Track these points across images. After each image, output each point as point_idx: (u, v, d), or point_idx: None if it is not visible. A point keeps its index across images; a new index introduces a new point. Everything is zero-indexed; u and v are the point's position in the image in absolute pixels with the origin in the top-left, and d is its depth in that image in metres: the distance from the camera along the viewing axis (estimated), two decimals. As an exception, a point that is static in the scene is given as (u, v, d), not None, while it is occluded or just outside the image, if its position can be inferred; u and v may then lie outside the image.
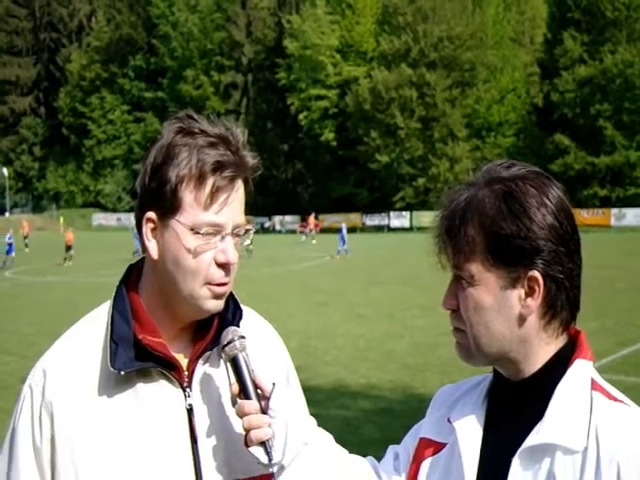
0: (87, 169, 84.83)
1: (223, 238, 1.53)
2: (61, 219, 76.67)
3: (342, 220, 64.78)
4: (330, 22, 68.89)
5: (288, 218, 68.84)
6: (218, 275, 1.53)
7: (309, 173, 75.10)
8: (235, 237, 1.55)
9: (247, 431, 1.50)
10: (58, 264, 34.55)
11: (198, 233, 1.50)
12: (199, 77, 76.17)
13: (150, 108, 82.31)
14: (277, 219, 68.44)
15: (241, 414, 1.51)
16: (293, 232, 65.21)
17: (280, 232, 65.27)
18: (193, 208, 1.50)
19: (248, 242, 1.60)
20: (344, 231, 36.29)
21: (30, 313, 19.10)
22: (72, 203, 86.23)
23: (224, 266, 1.53)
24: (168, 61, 78.82)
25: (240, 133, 1.56)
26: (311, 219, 52.86)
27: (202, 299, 1.54)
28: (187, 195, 1.50)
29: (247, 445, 1.51)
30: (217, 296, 1.55)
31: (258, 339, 1.72)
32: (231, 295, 1.65)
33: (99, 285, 22.99)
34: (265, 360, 1.68)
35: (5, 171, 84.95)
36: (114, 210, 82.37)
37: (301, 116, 69.70)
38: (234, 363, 1.54)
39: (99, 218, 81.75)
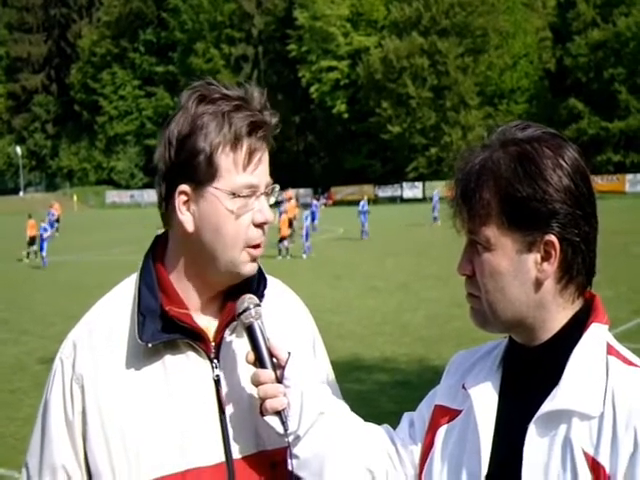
0: (100, 146, 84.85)
1: (258, 198, 1.55)
2: (75, 197, 76.91)
3: (361, 191, 64.58)
4: (340, -10, 68.32)
5: (302, 191, 68.75)
6: (256, 235, 1.56)
7: (321, 145, 74.90)
8: (265, 195, 1.57)
9: (262, 400, 1.51)
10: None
11: (238, 196, 1.52)
12: (209, 50, 75.84)
13: (161, 83, 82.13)
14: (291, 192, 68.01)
15: (256, 383, 1.52)
16: (306, 205, 65.08)
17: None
18: (230, 173, 1.52)
19: (273, 200, 1.61)
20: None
21: (46, 293, 19.22)
22: (85, 181, 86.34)
23: (261, 226, 1.56)
24: (178, 34, 78.47)
25: (259, 93, 1.56)
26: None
27: (241, 263, 1.56)
28: (223, 161, 1.51)
29: (262, 414, 1.52)
30: (254, 258, 1.58)
31: (283, 308, 1.74)
32: None
33: (113, 263, 23.07)
34: (289, 328, 1.70)
35: (18, 150, 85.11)
36: (127, 187, 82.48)
37: (312, 88, 69.42)
38: (249, 331, 1.54)
39: (112, 195, 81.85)
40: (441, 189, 44.24)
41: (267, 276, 1.69)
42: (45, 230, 26.79)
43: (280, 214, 26.66)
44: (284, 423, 1.50)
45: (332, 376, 1.84)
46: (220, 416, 1.57)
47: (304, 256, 25.21)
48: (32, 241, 28.75)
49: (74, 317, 1.66)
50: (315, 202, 34.49)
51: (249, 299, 1.56)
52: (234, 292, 1.61)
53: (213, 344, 1.59)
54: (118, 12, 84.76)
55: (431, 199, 48.30)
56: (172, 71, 79.98)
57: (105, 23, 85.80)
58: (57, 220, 42.12)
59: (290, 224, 27.18)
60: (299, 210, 31.15)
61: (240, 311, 1.54)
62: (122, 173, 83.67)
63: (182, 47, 78.63)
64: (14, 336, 13.45)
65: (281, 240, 25.61)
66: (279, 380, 1.52)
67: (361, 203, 31.86)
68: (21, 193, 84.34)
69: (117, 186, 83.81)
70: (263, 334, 1.54)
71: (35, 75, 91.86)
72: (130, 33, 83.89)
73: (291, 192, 33.27)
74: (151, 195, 72.96)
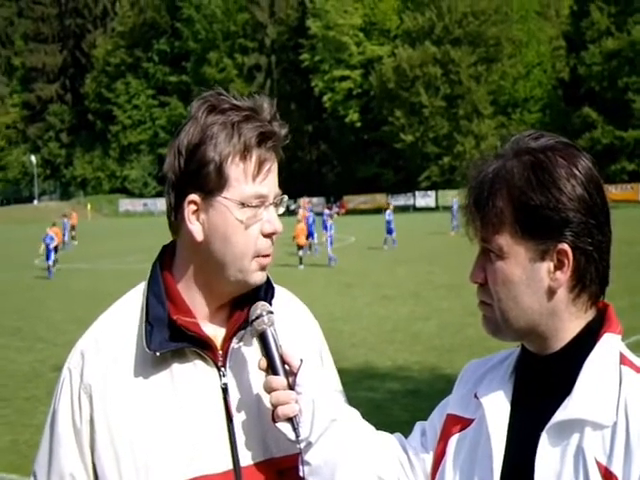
0: (113, 155, 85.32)
1: (267, 208, 1.56)
2: (88, 206, 77.24)
3: (374, 200, 64.50)
4: (353, 0, 68.45)
5: (314, 200, 68.75)
6: (265, 246, 1.57)
7: (334, 154, 74.97)
8: (274, 206, 1.58)
9: (275, 407, 1.51)
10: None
11: (247, 206, 1.53)
12: (223, 60, 76.17)
13: (174, 92, 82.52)
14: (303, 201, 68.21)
15: (269, 389, 1.52)
16: (319, 214, 65.14)
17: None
18: (239, 182, 1.52)
19: (282, 210, 1.61)
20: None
21: (60, 300, 19.30)
22: (99, 189, 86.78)
23: (270, 236, 1.57)
24: (192, 44, 78.87)
25: (269, 104, 1.57)
26: None
27: (250, 273, 1.56)
28: (233, 171, 1.52)
29: (274, 421, 1.52)
30: (263, 267, 1.58)
31: (290, 317, 1.73)
32: None
33: (127, 271, 23.14)
34: (297, 337, 1.70)
35: (33, 159, 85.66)
36: (141, 195, 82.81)
37: (325, 97, 69.58)
38: (262, 338, 1.54)
39: (126, 204, 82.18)
40: (459, 197, 44.05)
41: (274, 285, 1.69)
42: (52, 239, 26.64)
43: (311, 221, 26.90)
44: (296, 430, 1.50)
45: (339, 385, 1.83)
46: (228, 424, 1.57)
47: (332, 264, 25.20)
48: (55, 249, 28.22)
49: (88, 325, 1.67)
50: (327, 211, 34.61)
51: (262, 306, 1.56)
52: (242, 301, 1.61)
53: (220, 352, 1.60)
54: (132, 22, 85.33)
55: (445, 208, 48.35)
56: (185, 81, 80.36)
57: (119, 33, 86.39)
58: (72, 228, 42.12)
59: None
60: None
61: (253, 318, 1.55)
62: (135, 182, 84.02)
63: (195, 57, 79.02)
64: (28, 344, 13.51)
65: (299, 248, 25.72)
66: (291, 387, 1.52)
67: (387, 212, 31.88)
68: (35, 202, 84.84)
69: (130, 195, 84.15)
70: (276, 341, 1.54)
71: (50, 85, 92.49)
72: (144, 43, 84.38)
73: (306, 200, 33.30)
74: (164, 204, 73.01)
